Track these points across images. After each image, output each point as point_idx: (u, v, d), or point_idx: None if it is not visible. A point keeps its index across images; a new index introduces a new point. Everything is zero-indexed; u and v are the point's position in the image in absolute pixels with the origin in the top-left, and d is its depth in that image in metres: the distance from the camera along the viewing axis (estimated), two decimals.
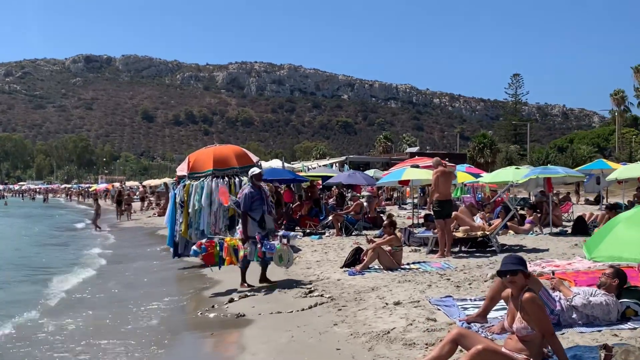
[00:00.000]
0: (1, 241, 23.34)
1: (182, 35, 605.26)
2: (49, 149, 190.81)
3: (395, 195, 38.17)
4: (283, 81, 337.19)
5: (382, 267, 10.88)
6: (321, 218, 19.31)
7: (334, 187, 23.69)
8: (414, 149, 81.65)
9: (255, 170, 10.91)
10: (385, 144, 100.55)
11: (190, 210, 13.39)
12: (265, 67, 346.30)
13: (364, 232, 17.41)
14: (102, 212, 28.99)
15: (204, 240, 10.52)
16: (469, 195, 23.72)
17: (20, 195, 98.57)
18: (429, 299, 8.07)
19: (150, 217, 34.15)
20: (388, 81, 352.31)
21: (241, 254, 9.98)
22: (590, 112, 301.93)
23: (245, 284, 10.13)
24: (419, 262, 11.66)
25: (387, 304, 7.96)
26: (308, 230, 18.30)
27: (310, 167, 34.98)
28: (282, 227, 18.78)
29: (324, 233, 17.90)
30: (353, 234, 17.35)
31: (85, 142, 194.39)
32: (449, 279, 9.59)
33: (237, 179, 13.59)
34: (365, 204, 19.56)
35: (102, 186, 76.35)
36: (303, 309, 8.25)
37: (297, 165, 34.40)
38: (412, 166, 18.31)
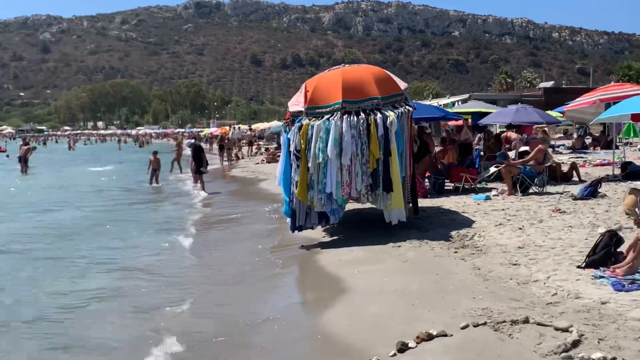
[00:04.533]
0: (95, 196, 20.33)
1: None
2: (163, 94, 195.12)
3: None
4: (391, 20, 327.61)
5: None
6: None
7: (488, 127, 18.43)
8: (548, 84, 72.73)
9: None
10: (505, 81, 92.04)
11: (310, 164, 9.00)
12: (372, 6, 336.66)
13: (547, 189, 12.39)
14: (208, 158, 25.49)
15: None
16: None
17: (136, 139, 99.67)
18: None
19: (258, 163, 30.50)
20: (503, 15, 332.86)
21: None
22: None
23: None
24: None
25: None
26: (466, 186, 13.52)
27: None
28: (428, 179, 14.10)
29: (490, 190, 13.03)
30: (530, 191, 12.36)
31: (197, 87, 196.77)
32: None
33: (379, 115, 8.96)
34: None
35: (213, 130, 74.82)
36: None
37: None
38: None
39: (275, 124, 56.76)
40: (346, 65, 10.10)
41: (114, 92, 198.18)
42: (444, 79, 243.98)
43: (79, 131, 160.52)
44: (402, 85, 9.65)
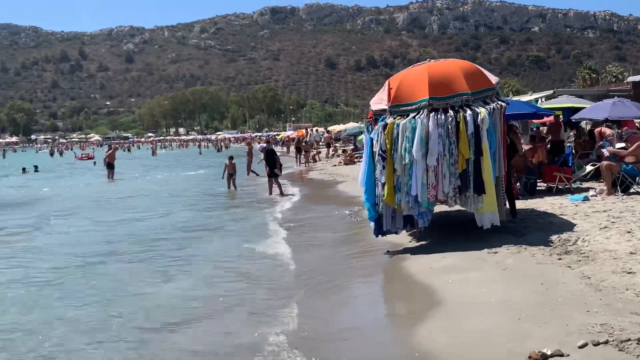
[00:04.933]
0: (177, 201, 20.57)
1: None
2: (241, 100, 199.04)
3: None
4: (467, 17, 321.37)
5: None
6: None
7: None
8: (638, 77, 68.81)
9: None
10: (590, 76, 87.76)
11: (396, 165, 8.47)
12: (447, 4, 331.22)
13: None
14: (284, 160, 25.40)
15: None
16: None
17: (216, 144, 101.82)
18: None
19: (335, 166, 30.20)
20: (584, 9, 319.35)
21: None
22: None
23: None
24: None
25: None
26: (560, 186, 12.63)
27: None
28: (518, 179, 13.26)
29: (587, 190, 12.10)
30: (631, 191, 11.37)
31: (273, 91, 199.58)
32: None
33: (468, 112, 8.37)
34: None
35: (290, 133, 75.41)
36: None
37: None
38: None
39: (351, 125, 56.51)
40: (432, 60, 9.53)
41: (194, 99, 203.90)
42: (524, 76, 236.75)
43: (161, 137, 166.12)
44: (494, 79, 9.00)
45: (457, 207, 9.46)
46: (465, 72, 8.85)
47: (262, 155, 20.32)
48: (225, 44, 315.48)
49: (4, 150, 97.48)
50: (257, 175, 25.87)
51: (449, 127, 8.33)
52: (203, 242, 11.77)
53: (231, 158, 22.54)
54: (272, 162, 19.26)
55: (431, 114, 8.39)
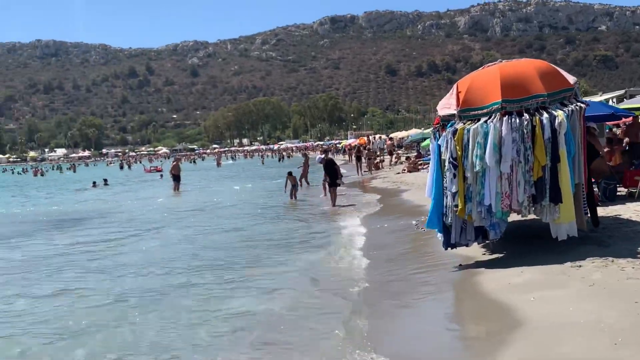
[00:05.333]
0: (239, 213, 20.56)
1: None
2: (302, 109, 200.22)
3: None
4: (530, 18, 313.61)
5: None
6: None
7: None
8: None
9: None
10: None
11: (467, 173, 7.97)
12: (509, 6, 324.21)
13: None
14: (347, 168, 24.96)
15: None
16: None
17: (278, 154, 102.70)
18: None
19: (398, 173, 29.62)
20: None
21: None
22: None
23: None
24: None
25: None
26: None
27: None
28: (597, 185, 12.44)
29: None
30: None
31: (334, 100, 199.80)
32: None
33: (544, 115, 7.78)
34: None
35: (351, 141, 75.15)
36: None
37: None
38: None
39: (414, 131, 55.71)
40: (504, 61, 8.96)
41: (257, 109, 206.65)
42: (591, 76, 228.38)
43: (225, 148, 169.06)
44: (571, 79, 8.36)
45: (532, 216, 8.85)
46: (541, 72, 8.26)
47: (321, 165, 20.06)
48: (286, 55, 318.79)
49: (74, 164, 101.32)
50: (308, 184, 25.57)
51: (524, 131, 7.76)
52: (271, 255, 11.54)
53: (290, 173, 22.41)
54: (333, 173, 18.95)
55: (504, 118, 7.85)
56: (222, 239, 14.02)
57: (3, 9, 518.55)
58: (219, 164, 72.84)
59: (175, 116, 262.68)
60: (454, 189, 7.94)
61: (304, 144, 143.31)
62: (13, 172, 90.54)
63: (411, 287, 7.90)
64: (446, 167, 8.06)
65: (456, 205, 7.95)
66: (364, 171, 34.53)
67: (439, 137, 8.41)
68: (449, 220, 8.15)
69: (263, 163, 72.14)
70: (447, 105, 8.53)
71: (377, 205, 18.13)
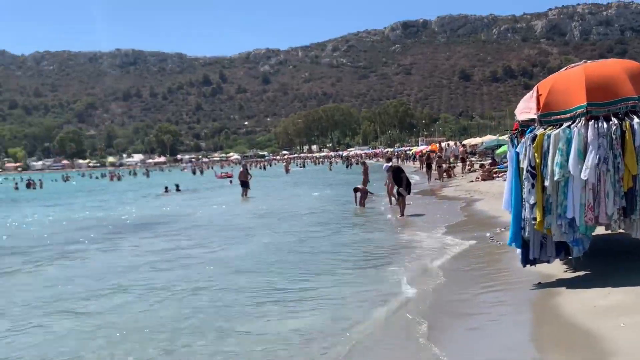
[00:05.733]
0: (308, 220, 20.31)
1: None
2: (372, 115, 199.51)
3: None
4: (611, 21, 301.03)
5: None
6: None
7: None
8: None
9: None
10: None
11: (547, 182, 7.28)
12: (589, 9, 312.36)
13: None
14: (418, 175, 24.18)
15: None
16: None
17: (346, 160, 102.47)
18: None
19: (472, 181, 28.62)
20: None
21: None
22: None
23: None
24: None
25: None
26: None
27: None
28: None
29: None
30: None
31: (405, 106, 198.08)
32: None
33: (635, 120, 7.02)
34: None
35: (422, 148, 74.00)
36: None
37: None
38: None
39: (488, 138, 54.11)
40: (589, 61, 8.21)
41: (327, 116, 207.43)
42: None
43: (295, 155, 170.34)
44: None
45: (621, 230, 8.04)
46: (631, 73, 7.49)
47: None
48: (357, 61, 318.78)
49: (148, 170, 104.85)
50: (372, 194, 24.94)
51: (613, 137, 7.03)
52: (335, 269, 11.14)
53: (356, 189, 22.04)
54: (399, 181, 18.36)
55: (590, 123, 7.14)
56: (291, 247, 13.73)
57: (85, 20, 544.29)
58: (287, 170, 73.16)
59: (246, 123, 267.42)
60: (532, 200, 7.25)
61: (374, 150, 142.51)
62: (91, 177, 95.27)
63: (485, 307, 7.25)
64: (524, 176, 7.39)
65: (534, 218, 7.25)
66: (435, 179, 33.66)
67: (518, 143, 7.74)
68: (527, 234, 7.46)
69: (330, 169, 72.01)
70: (526, 109, 7.87)
71: (448, 216, 17.39)
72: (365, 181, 26.40)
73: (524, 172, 7.37)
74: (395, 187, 18.61)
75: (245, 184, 31.10)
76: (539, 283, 7.61)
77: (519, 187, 7.60)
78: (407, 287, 8.84)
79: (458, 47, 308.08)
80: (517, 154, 7.66)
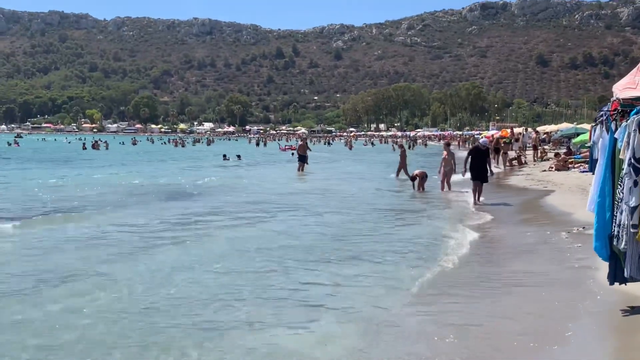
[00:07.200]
0: (359, 200, 19.01)
1: None
2: (443, 97, 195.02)
3: None
4: None
5: None
6: None
7: None
8: None
9: None
10: None
11: None
12: None
13: None
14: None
15: None
16: None
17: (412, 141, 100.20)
18: None
19: (544, 171, 26.46)
20: None
21: None
22: None
23: None
24: None
25: None
26: None
27: None
28: None
29: None
30: None
31: (478, 89, 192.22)
32: None
33: None
34: None
35: (492, 132, 71.01)
36: None
37: None
38: None
39: (565, 126, 51.20)
40: None
41: (397, 95, 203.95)
42: None
43: (362, 132, 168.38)
44: None
45: None
46: None
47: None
48: (431, 41, 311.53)
49: (208, 138, 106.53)
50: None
51: None
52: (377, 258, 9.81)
53: (413, 177, 20.54)
54: (481, 165, 16.87)
55: None
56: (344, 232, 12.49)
57: None
58: (350, 147, 72.00)
59: (316, 98, 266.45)
60: (633, 202, 5.55)
61: (442, 132, 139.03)
62: (153, 143, 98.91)
63: (560, 335, 5.66)
64: (624, 171, 5.72)
65: (635, 226, 5.62)
66: (506, 166, 31.58)
67: (616, 128, 6.08)
68: (623, 245, 5.75)
69: (394, 149, 70.24)
70: (630, 85, 6.19)
71: (514, 209, 15.58)
72: (403, 164, 25.09)
73: (625, 165, 5.68)
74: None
75: (302, 158, 30.10)
76: (631, 307, 6.01)
77: (609, 184, 5.97)
78: (464, 298, 7.40)
79: (537, 32, 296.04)
80: (614, 141, 6.00)
